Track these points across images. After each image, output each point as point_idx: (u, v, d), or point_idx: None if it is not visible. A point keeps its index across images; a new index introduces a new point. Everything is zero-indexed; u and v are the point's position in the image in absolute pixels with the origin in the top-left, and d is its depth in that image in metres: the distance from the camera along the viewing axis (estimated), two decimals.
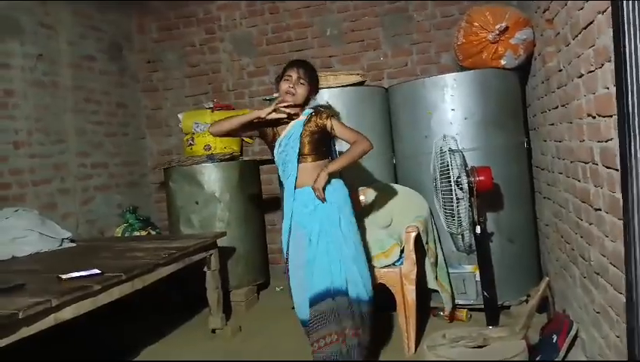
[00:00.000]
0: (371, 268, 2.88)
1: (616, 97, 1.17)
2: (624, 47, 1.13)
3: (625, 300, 1.21)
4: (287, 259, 2.75)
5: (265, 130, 2.77)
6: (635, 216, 1.15)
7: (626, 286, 1.18)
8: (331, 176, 2.61)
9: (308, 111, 2.70)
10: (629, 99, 1.13)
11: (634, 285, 1.15)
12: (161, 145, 5.26)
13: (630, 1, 1.11)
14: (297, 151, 2.63)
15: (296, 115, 2.69)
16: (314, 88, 2.73)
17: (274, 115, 2.62)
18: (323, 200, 2.58)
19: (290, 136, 2.66)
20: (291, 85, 2.64)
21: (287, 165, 2.67)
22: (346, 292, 2.56)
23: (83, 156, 4.41)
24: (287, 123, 2.70)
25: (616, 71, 1.17)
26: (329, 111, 2.71)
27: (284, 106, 2.62)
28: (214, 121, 2.87)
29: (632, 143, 1.15)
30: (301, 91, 2.65)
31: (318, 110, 2.71)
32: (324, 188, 2.58)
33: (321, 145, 2.68)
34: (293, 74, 2.65)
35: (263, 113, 2.61)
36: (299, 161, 2.64)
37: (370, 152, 2.64)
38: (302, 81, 2.65)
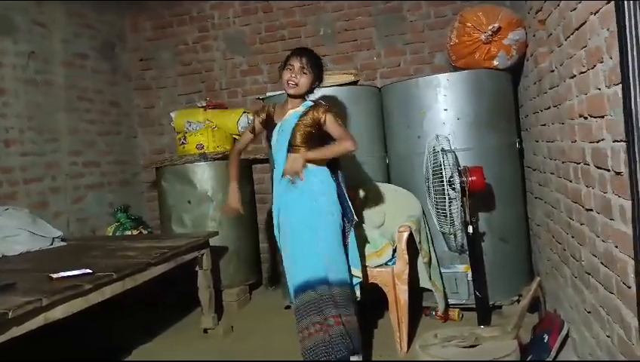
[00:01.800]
0: (364, 267, 2.90)
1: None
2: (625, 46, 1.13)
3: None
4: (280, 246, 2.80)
5: (267, 122, 2.79)
6: None
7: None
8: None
9: (307, 103, 2.68)
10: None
11: None
12: (154, 143, 5.24)
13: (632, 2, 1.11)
14: (288, 140, 2.62)
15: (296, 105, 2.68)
16: (318, 77, 2.68)
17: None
18: (293, 181, 2.59)
19: (284, 126, 2.66)
20: (294, 75, 2.59)
21: (278, 154, 2.68)
22: (326, 279, 2.53)
23: (75, 155, 4.37)
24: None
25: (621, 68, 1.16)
26: (327, 106, 2.67)
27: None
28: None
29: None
30: (304, 81, 2.61)
31: (319, 103, 2.69)
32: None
33: (314, 138, 2.65)
34: (296, 63, 2.59)
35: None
36: (289, 151, 2.63)
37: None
38: (305, 70, 2.59)
